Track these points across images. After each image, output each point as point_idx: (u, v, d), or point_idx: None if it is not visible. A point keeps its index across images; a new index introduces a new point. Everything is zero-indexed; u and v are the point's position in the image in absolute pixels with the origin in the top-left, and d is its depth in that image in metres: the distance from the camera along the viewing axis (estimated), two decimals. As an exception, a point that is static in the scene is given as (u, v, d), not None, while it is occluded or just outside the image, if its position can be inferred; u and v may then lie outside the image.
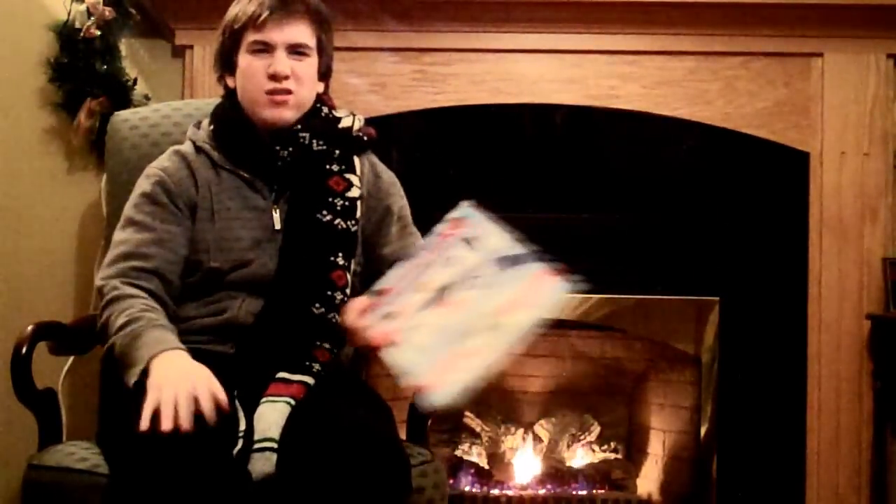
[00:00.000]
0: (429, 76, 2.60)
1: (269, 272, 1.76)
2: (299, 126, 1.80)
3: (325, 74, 1.87)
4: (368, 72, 2.59)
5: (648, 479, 2.88)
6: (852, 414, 2.57)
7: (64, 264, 2.61)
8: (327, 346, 1.73)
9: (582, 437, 2.90)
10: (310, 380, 1.67)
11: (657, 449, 2.87)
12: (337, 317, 1.73)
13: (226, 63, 1.84)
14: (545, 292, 1.54)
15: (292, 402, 1.62)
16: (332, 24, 1.88)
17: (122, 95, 2.55)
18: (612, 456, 2.92)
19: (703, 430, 2.70)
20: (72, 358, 2.42)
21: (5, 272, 2.66)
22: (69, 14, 2.57)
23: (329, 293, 1.74)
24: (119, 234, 1.78)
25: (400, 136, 2.60)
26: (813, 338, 2.59)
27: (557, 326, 2.75)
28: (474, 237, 1.65)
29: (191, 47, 2.58)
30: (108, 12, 2.53)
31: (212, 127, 1.86)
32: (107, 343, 1.65)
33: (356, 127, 1.87)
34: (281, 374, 1.66)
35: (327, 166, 1.81)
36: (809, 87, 2.60)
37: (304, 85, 1.80)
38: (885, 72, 2.58)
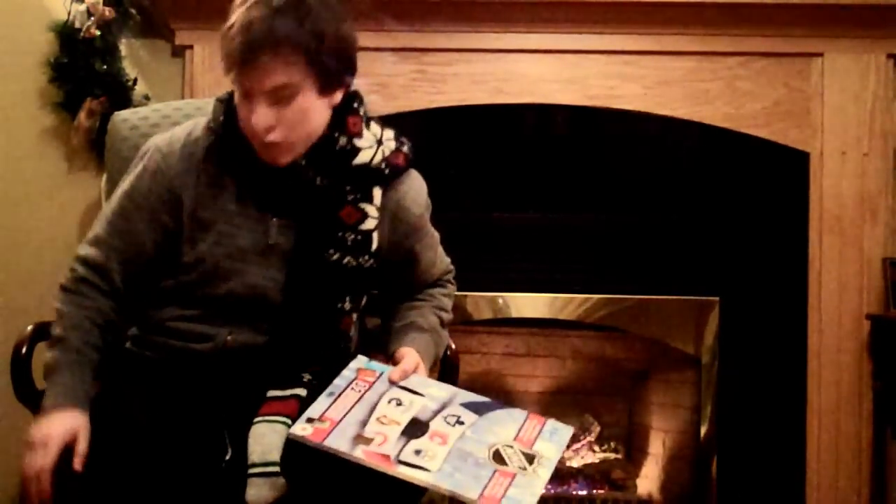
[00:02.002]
0: (429, 76, 2.60)
1: (256, 292, 1.60)
2: (304, 161, 1.57)
3: (332, 89, 1.55)
4: (368, 72, 2.57)
5: (648, 479, 2.88)
6: (852, 414, 2.57)
7: (64, 264, 2.60)
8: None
9: (582, 437, 2.90)
10: (302, 392, 1.55)
11: (657, 449, 2.87)
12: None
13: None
14: (547, 433, 1.49)
15: (289, 421, 1.49)
16: (334, 21, 1.53)
17: (122, 95, 2.55)
18: (612, 456, 2.91)
19: (703, 430, 2.70)
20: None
21: (5, 272, 2.66)
22: (69, 14, 2.57)
23: (332, 335, 1.63)
24: (104, 212, 1.68)
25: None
26: (813, 338, 2.59)
27: (557, 326, 2.76)
28: (407, 385, 1.53)
29: (191, 47, 2.58)
30: (108, 12, 2.53)
31: (212, 136, 1.64)
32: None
33: (378, 159, 1.61)
34: (272, 393, 1.55)
35: (338, 195, 1.60)
36: (809, 87, 2.60)
37: (296, 128, 1.52)
38: (885, 72, 2.58)
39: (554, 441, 1.46)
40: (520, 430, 1.47)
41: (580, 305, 2.65)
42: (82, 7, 2.56)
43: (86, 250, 1.66)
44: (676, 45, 2.59)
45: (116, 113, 2.27)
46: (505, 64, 2.61)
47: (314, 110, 1.54)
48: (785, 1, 2.54)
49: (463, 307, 2.64)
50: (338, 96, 1.57)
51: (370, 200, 1.61)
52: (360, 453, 1.38)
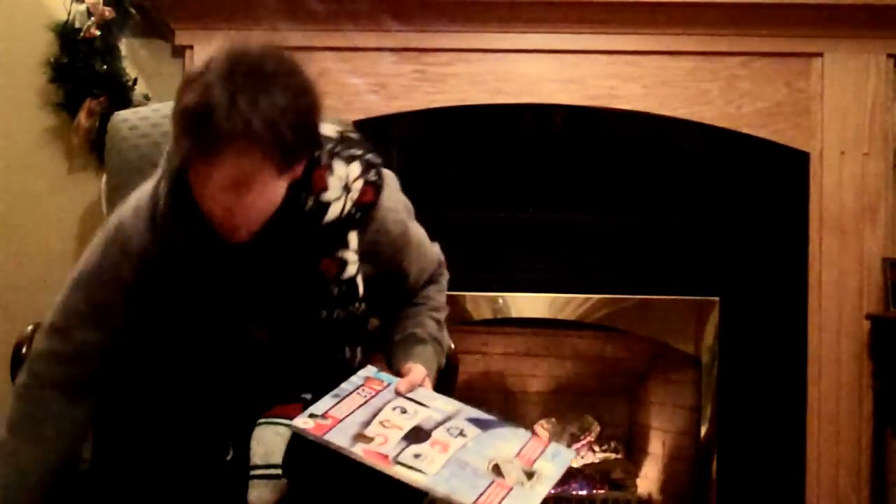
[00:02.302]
0: (429, 76, 2.60)
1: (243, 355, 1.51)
2: (266, 232, 1.42)
3: (293, 166, 1.39)
4: (368, 72, 2.58)
5: (648, 479, 2.88)
6: (852, 414, 2.57)
7: (64, 264, 2.60)
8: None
9: (582, 437, 2.90)
10: (307, 394, 1.52)
11: (657, 449, 2.87)
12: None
13: None
14: (549, 454, 1.49)
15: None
16: (293, 97, 1.35)
17: (122, 95, 2.55)
18: (612, 456, 2.91)
19: (703, 430, 2.70)
20: None
21: (5, 272, 2.66)
22: (69, 14, 2.57)
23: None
24: (57, 310, 1.52)
25: (400, 136, 2.60)
26: (813, 338, 2.59)
27: (557, 326, 2.76)
28: (413, 397, 1.51)
29: (191, 47, 2.57)
30: (108, 12, 2.53)
31: (167, 202, 1.45)
32: None
33: (346, 210, 1.47)
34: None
35: (313, 251, 1.49)
36: (809, 87, 2.60)
37: (253, 212, 1.38)
38: (885, 72, 2.58)
39: (556, 462, 1.46)
40: (522, 448, 1.46)
41: (580, 305, 2.65)
42: (82, 7, 2.56)
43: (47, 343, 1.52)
44: (676, 45, 2.59)
45: (116, 113, 2.27)
46: (505, 64, 2.61)
47: (274, 191, 1.39)
48: (785, 1, 2.53)
49: (463, 307, 2.64)
50: (299, 169, 1.42)
51: (347, 246, 1.50)
52: (359, 450, 1.37)
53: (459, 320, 2.65)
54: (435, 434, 1.44)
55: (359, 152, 1.53)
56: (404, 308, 1.70)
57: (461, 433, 1.46)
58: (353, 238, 1.50)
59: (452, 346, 1.91)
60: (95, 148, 2.56)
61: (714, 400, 2.67)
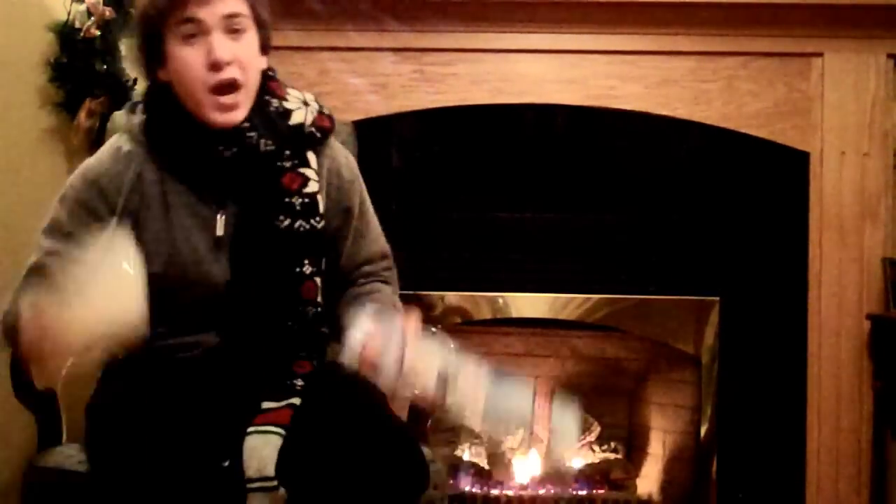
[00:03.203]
0: (429, 76, 2.60)
1: (221, 287, 1.57)
2: (247, 123, 1.56)
3: (265, 47, 1.60)
4: (368, 72, 2.59)
5: (648, 479, 2.88)
6: (852, 414, 2.57)
7: (64, 264, 2.61)
8: (304, 354, 1.60)
9: (582, 437, 2.90)
10: (296, 400, 1.53)
11: (657, 449, 2.87)
12: (315, 328, 1.61)
13: (152, 55, 1.57)
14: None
15: (283, 431, 1.48)
16: None
17: (122, 95, 2.55)
18: (612, 456, 2.91)
19: (703, 430, 2.71)
20: (72, 358, 2.41)
21: (5, 272, 2.65)
22: (69, 14, 2.57)
23: (300, 308, 1.59)
24: (40, 241, 1.64)
25: (400, 136, 2.60)
26: (813, 338, 2.59)
27: (557, 326, 2.76)
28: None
29: (191, 47, 2.58)
30: (108, 12, 2.53)
31: (144, 116, 1.61)
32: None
33: (308, 121, 1.62)
34: (266, 405, 1.52)
35: (278, 163, 1.59)
36: (809, 87, 2.60)
37: (248, 69, 1.54)
38: (885, 72, 2.58)
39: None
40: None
41: (580, 305, 2.65)
42: (82, 7, 2.56)
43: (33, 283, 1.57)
44: (676, 45, 2.59)
45: (116, 113, 2.27)
46: (505, 64, 2.61)
47: (257, 59, 1.58)
48: (785, 1, 2.54)
49: (463, 307, 2.64)
50: (265, 62, 1.60)
51: (307, 164, 1.62)
52: None
53: (460, 320, 2.66)
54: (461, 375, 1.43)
55: (313, 94, 1.69)
56: (356, 287, 1.67)
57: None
58: (312, 159, 1.62)
59: (452, 345, 1.92)
60: (95, 148, 2.55)
61: (714, 400, 2.67)
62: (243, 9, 1.54)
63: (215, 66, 1.51)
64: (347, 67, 2.55)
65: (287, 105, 1.62)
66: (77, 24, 2.55)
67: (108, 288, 1.33)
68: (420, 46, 2.59)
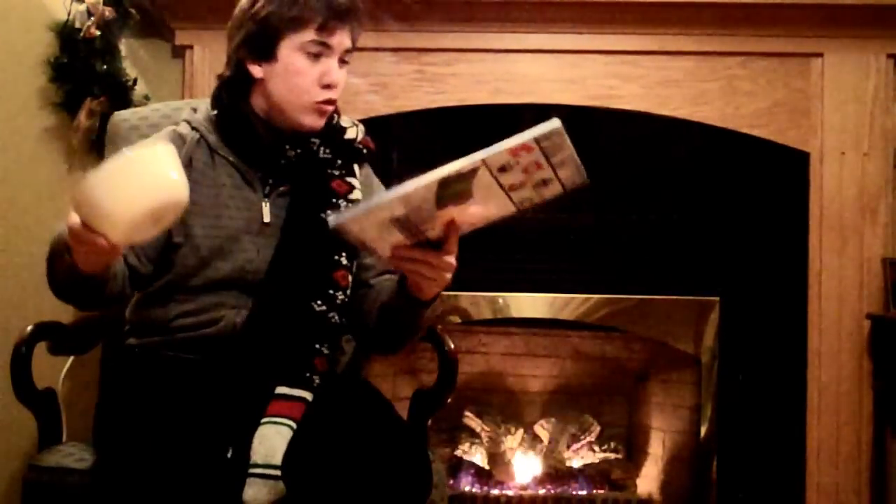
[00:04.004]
0: (429, 76, 2.60)
1: (256, 269, 1.71)
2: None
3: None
4: (368, 72, 2.59)
5: (648, 479, 2.88)
6: (852, 414, 2.57)
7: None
8: (326, 350, 1.68)
9: (582, 437, 2.90)
10: (309, 396, 1.61)
11: (657, 449, 2.87)
12: (337, 317, 1.70)
13: (259, 50, 1.69)
14: None
15: (294, 425, 1.56)
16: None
17: (122, 95, 2.55)
18: (612, 456, 2.91)
19: (703, 430, 2.70)
20: (72, 358, 2.41)
21: (5, 272, 2.66)
22: (69, 14, 2.57)
23: (331, 291, 1.70)
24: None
25: (400, 136, 2.60)
26: (813, 338, 2.59)
27: (557, 326, 2.76)
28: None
29: (191, 47, 2.58)
30: (108, 12, 2.53)
31: (215, 112, 1.77)
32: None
33: (359, 138, 1.83)
34: (281, 390, 1.60)
35: (329, 170, 1.78)
36: (809, 87, 2.60)
37: (340, 94, 1.75)
38: (885, 72, 2.58)
39: None
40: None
41: (580, 305, 2.65)
42: (82, 7, 2.56)
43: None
44: (676, 45, 2.59)
45: (116, 113, 2.27)
46: (505, 64, 2.61)
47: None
48: (785, 1, 2.54)
49: (463, 307, 2.64)
50: None
51: (354, 175, 1.80)
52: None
53: (460, 320, 2.66)
54: None
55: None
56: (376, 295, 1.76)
57: None
58: (357, 171, 1.81)
59: (452, 345, 1.92)
60: (95, 148, 2.56)
61: (714, 400, 2.67)
62: (352, 47, 1.73)
63: (328, 87, 1.69)
64: (348, 67, 2.54)
65: (343, 123, 1.81)
66: (77, 24, 2.56)
67: (145, 159, 1.34)
68: (420, 46, 2.59)
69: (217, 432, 1.54)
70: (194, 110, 1.82)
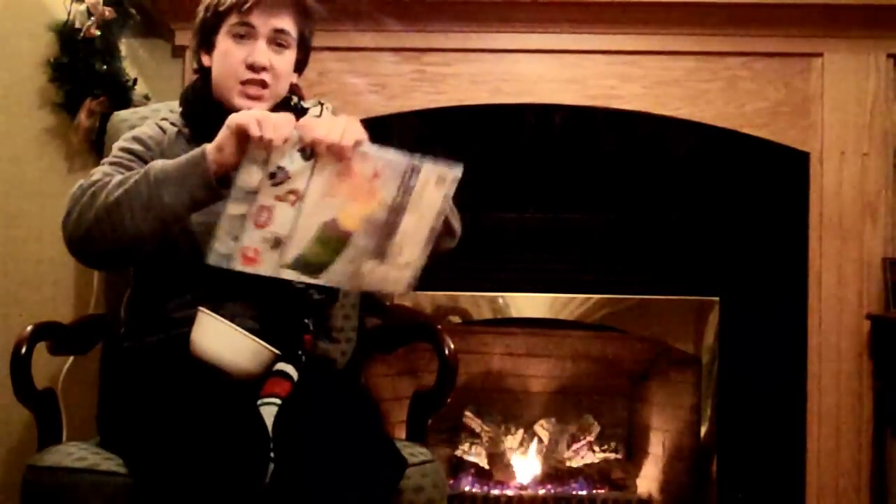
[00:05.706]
0: (429, 76, 2.60)
1: None
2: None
3: (300, 68, 1.87)
4: (368, 72, 2.59)
5: (648, 479, 2.88)
6: (852, 414, 2.57)
7: (64, 264, 2.61)
8: (309, 322, 1.75)
9: (582, 437, 2.90)
10: (294, 374, 1.65)
11: (657, 449, 2.87)
12: (317, 294, 1.78)
13: (204, 41, 1.82)
14: None
15: (279, 401, 1.59)
16: (316, 19, 1.86)
17: (122, 95, 2.55)
18: (612, 456, 2.91)
19: (703, 430, 2.70)
20: (72, 358, 2.42)
21: (5, 272, 2.66)
22: (69, 14, 2.57)
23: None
24: (92, 177, 1.75)
25: (400, 136, 2.59)
26: (813, 338, 2.59)
27: (557, 326, 2.76)
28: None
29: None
30: (108, 12, 2.53)
31: (181, 109, 1.87)
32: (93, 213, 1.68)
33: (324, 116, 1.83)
34: (280, 367, 1.64)
35: None
36: (809, 87, 2.60)
37: (280, 79, 1.79)
38: (885, 72, 2.58)
39: None
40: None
41: (580, 305, 2.64)
42: (82, 7, 2.56)
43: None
44: (676, 45, 2.59)
45: (116, 113, 2.27)
46: (505, 64, 2.61)
47: (290, 74, 1.83)
48: (785, 1, 2.53)
49: (463, 307, 2.64)
50: (296, 78, 1.87)
51: None
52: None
53: (460, 320, 2.66)
54: None
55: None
56: None
57: None
58: None
59: (452, 345, 1.92)
60: (95, 148, 2.56)
61: (714, 400, 2.67)
62: (292, 29, 1.79)
63: (252, 68, 1.74)
64: (347, 67, 2.55)
65: (305, 104, 1.84)
66: (77, 24, 2.56)
67: None
68: (420, 46, 2.59)
69: (228, 415, 1.54)
70: (171, 111, 1.92)
